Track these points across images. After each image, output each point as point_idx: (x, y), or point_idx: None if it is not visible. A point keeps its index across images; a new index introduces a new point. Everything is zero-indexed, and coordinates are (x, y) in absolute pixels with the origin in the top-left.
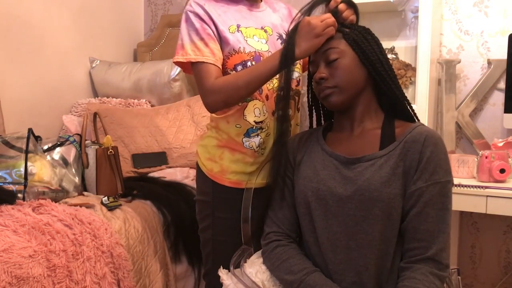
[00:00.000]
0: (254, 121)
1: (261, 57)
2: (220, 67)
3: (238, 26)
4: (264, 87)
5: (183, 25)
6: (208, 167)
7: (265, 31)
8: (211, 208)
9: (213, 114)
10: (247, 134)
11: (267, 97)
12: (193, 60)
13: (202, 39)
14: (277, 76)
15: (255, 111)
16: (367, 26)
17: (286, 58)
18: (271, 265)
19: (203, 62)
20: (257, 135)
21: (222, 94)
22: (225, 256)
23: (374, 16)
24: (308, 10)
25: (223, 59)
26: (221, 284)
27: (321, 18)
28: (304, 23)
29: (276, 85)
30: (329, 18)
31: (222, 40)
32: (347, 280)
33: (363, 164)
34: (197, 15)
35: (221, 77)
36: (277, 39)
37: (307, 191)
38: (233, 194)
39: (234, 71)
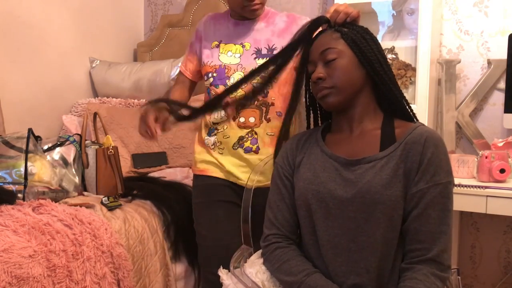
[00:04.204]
0: (212, 122)
1: (225, 70)
2: (188, 76)
3: (220, 42)
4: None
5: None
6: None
7: (243, 46)
8: (192, 197)
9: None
10: (209, 133)
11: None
12: (180, 69)
13: (189, 53)
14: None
15: (216, 114)
16: (367, 25)
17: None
18: (271, 267)
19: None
20: (214, 135)
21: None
22: (204, 233)
23: (374, 16)
24: (308, 33)
25: (202, 67)
26: (221, 284)
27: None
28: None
29: (238, 94)
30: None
31: (202, 53)
32: (348, 282)
33: (363, 166)
34: (196, 32)
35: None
36: (252, 53)
37: (307, 193)
38: (202, 181)
39: (206, 77)
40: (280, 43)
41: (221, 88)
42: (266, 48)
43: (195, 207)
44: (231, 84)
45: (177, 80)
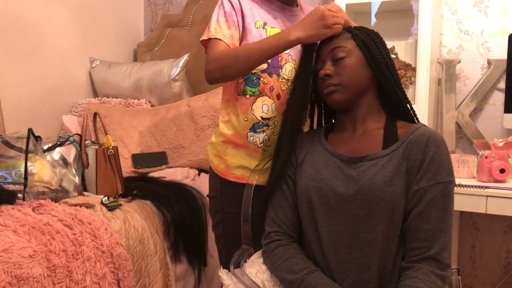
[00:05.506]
0: (261, 117)
1: (279, 58)
2: None
3: (265, 24)
4: (277, 86)
5: (216, 9)
6: (215, 163)
7: None
8: (220, 204)
9: (224, 108)
10: (253, 129)
11: (278, 97)
12: (212, 37)
13: (227, 21)
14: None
15: (263, 107)
16: (367, 25)
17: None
18: (271, 265)
19: (220, 39)
20: (263, 131)
21: (221, 62)
22: (237, 250)
23: (375, 16)
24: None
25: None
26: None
27: (334, 12)
28: (318, 11)
29: (290, 86)
30: (342, 18)
31: (245, 31)
32: (348, 279)
33: (366, 163)
34: (229, 2)
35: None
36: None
37: (309, 190)
38: (239, 189)
39: None
40: None
41: (274, 78)
42: None
43: (227, 215)
44: (283, 74)
45: (219, 46)
